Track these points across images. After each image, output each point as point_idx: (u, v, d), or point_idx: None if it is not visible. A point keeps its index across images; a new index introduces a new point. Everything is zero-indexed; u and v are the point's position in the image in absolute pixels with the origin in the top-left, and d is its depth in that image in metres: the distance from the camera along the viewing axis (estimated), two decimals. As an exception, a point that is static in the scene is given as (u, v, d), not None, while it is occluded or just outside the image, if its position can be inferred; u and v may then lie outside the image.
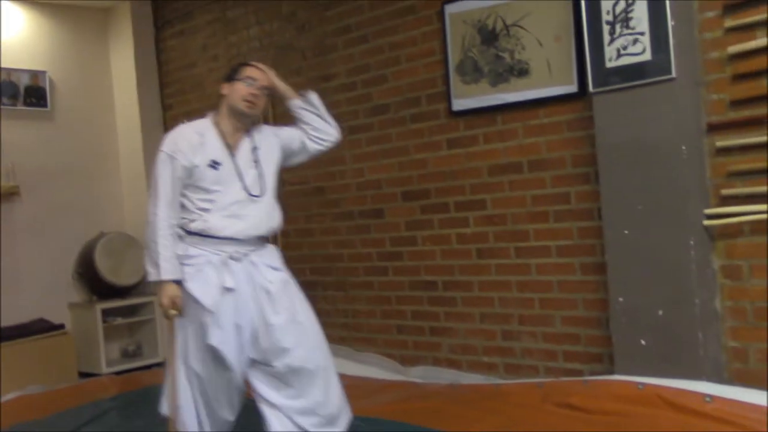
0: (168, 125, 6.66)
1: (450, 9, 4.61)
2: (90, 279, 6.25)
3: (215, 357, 3.24)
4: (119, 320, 6.32)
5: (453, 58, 4.62)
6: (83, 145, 6.72)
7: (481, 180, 4.54)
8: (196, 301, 3.21)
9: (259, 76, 3.42)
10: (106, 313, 6.24)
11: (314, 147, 3.58)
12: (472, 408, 3.96)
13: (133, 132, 6.79)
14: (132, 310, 6.39)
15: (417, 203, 4.89)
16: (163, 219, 3.22)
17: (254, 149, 3.41)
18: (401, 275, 5.02)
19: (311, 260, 5.62)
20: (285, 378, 3.31)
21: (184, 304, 3.23)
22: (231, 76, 3.43)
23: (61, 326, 6.14)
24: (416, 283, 4.94)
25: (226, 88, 3.41)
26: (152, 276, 3.23)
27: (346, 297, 5.38)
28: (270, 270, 3.36)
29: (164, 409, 3.35)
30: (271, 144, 3.48)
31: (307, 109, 3.56)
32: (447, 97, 4.66)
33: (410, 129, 4.90)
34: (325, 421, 3.33)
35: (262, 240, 3.43)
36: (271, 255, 3.43)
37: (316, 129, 3.57)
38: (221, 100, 3.43)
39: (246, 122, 3.42)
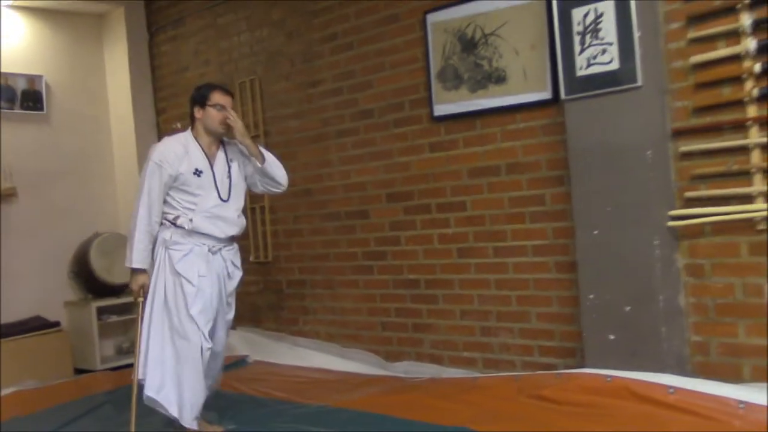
0: (161, 128, 6.84)
1: (431, 18, 4.79)
2: (85, 278, 6.41)
3: (192, 326, 3.79)
4: (113, 318, 6.48)
5: (434, 65, 4.80)
6: (78, 147, 6.89)
7: (461, 182, 4.73)
8: (181, 277, 3.78)
9: (226, 101, 3.93)
10: (101, 311, 6.40)
11: (261, 189, 4.15)
12: (450, 400, 4.13)
13: (127, 134, 6.96)
14: (126, 308, 6.55)
15: (400, 204, 5.07)
16: (144, 218, 3.83)
17: (229, 161, 3.98)
18: (385, 274, 5.21)
19: (300, 260, 5.79)
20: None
21: (173, 283, 3.81)
22: (202, 102, 3.90)
23: (57, 324, 6.30)
24: (400, 282, 5.12)
25: (199, 113, 3.91)
26: (128, 262, 3.86)
27: (333, 295, 5.56)
28: (235, 269, 4.04)
29: (140, 374, 3.86)
30: (240, 160, 4.03)
31: (263, 167, 4.02)
32: (429, 103, 4.85)
33: (394, 133, 5.08)
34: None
35: (233, 239, 4.03)
36: (236, 254, 4.07)
37: (267, 176, 4.05)
38: (196, 121, 3.93)
39: (219, 136, 3.99)
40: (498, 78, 4.52)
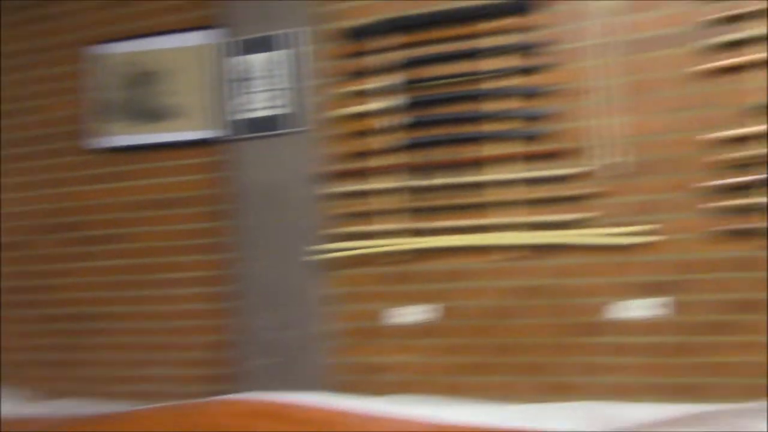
0: None
1: (102, 49, 4.83)
2: None
3: None
4: None
5: (103, 97, 4.83)
6: None
7: (127, 215, 4.78)
8: None
9: None
10: None
11: None
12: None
13: None
14: None
15: (65, 235, 4.98)
16: None
17: None
18: (50, 308, 5.06)
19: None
20: None
21: None
22: None
23: None
24: (63, 316, 5.01)
25: None
26: None
27: (-7, 332, 5.28)
28: None
29: None
30: None
31: None
32: (96, 134, 4.85)
33: (61, 162, 4.99)
34: None
35: None
36: None
37: None
38: None
39: None
40: (167, 114, 4.67)
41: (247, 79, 4.23)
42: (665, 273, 3.66)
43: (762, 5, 3.48)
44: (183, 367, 4.62)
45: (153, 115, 4.69)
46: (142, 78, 4.73)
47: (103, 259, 4.85)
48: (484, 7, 3.89)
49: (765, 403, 3.29)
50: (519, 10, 3.83)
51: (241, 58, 4.24)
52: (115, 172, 4.82)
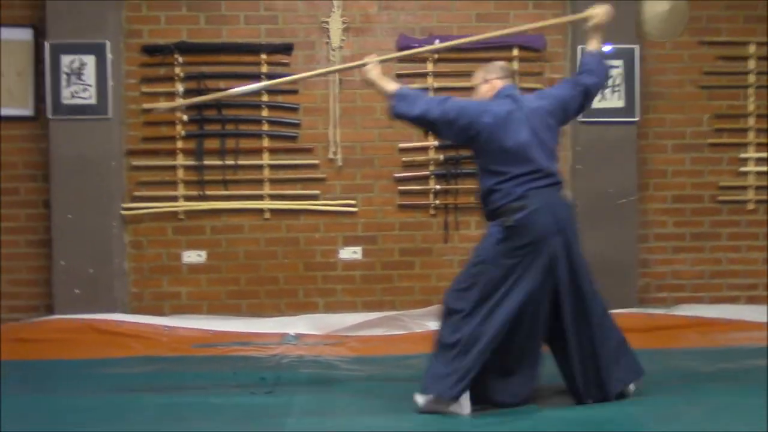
0: None
1: None
2: None
3: None
4: None
5: None
6: None
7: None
8: None
9: None
10: None
11: None
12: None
13: None
14: None
15: None
16: None
17: None
18: None
19: None
20: None
21: None
22: None
23: None
24: None
25: None
26: None
27: None
28: None
29: None
30: None
31: None
32: None
33: None
34: None
35: None
36: None
37: None
38: None
39: None
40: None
41: (67, 73, 5.43)
42: (366, 231, 5.72)
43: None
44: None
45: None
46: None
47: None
48: (262, 44, 5.62)
49: (431, 308, 5.48)
50: (285, 49, 5.62)
51: (63, 56, 5.43)
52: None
